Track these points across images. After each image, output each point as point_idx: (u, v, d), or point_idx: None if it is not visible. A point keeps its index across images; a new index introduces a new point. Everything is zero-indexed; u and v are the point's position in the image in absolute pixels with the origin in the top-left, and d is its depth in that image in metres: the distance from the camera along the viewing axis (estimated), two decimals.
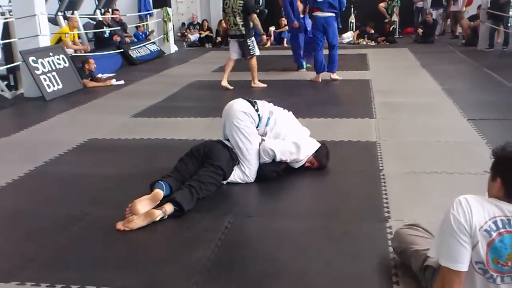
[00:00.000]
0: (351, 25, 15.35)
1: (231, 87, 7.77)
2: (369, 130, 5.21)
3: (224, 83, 7.84)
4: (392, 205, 3.36)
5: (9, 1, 7.98)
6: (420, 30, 13.73)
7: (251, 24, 7.72)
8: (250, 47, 7.74)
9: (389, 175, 3.90)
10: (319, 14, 8.03)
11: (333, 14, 8.04)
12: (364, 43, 13.97)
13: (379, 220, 3.16)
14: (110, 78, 9.13)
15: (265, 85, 7.95)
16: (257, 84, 7.96)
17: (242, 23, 7.55)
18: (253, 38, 7.85)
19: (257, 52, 7.87)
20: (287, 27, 15.05)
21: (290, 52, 10.05)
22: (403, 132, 5.09)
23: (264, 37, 8.17)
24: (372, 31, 14.11)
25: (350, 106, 6.40)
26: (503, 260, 1.89)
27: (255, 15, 7.67)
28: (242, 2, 7.48)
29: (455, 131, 5.06)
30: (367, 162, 4.25)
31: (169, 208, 3.20)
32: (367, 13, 15.08)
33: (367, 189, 3.67)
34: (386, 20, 14.82)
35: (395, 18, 15.17)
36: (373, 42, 13.90)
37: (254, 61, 7.87)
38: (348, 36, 14.54)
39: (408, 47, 12.61)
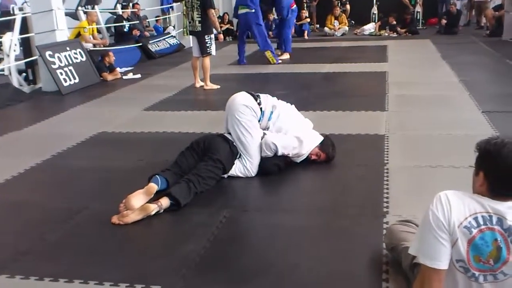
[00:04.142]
0: (373, 16, 15.11)
1: (202, 83, 7.50)
2: (379, 123, 5.12)
3: (197, 84, 7.54)
4: (392, 200, 3.29)
5: None
6: (444, 21, 13.43)
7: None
8: (207, 44, 7.22)
9: (393, 169, 3.82)
10: None
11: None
12: (386, 34, 13.74)
13: (377, 215, 3.09)
14: (127, 72, 9.20)
15: (218, 87, 7.39)
16: (210, 86, 7.42)
17: (199, 19, 7.09)
18: (212, 36, 7.33)
19: (213, 52, 7.40)
20: (308, 19, 14.99)
21: (311, 45, 10.10)
22: (413, 126, 4.99)
23: (221, 36, 7.87)
24: (394, 22, 13.85)
25: (363, 98, 6.29)
26: (484, 258, 1.82)
27: (212, 11, 7.13)
28: None
29: (467, 124, 4.94)
30: (372, 156, 4.17)
31: (165, 202, 3.20)
32: (390, 4, 14.81)
33: (369, 184, 3.60)
34: (411, 11, 14.52)
35: (418, 8, 14.88)
36: (395, 33, 13.66)
37: (207, 61, 7.34)
38: (370, 27, 14.34)
39: (430, 38, 12.36)
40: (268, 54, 9.45)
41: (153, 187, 3.29)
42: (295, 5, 10.32)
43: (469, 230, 1.80)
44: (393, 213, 3.09)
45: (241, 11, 9.39)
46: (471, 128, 4.79)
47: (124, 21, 11.67)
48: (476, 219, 1.81)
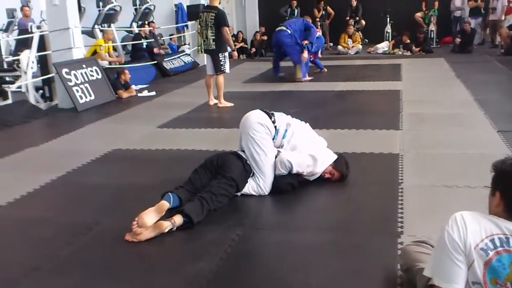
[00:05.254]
0: (387, 34, 15.12)
1: (216, 101, 7.54)
2: (393, 141, 5.09)
3: (211, 102, 7.59)
4: (406, 219, 3.26)
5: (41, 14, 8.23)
6: (458, 40, 13.40)
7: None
8: (221, 62, 7.29)
9: (407, 189, 3.79)
10: None
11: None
12: (400, 53, 13.73)
13: (391, 235, 3.06)
14: (142, 89, 9.29)
15: (232, 104, 7.45)
16: (224, 104, 7.45)
17: (213, 37, 7.15)
18: (226, 54, 7.39)
19: (227, 69, 7.44)
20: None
21: (324, 63, 10.83)
22: (428, 144, 4.95)
23: (235, 54, 7.87)
24: (408, 41, 13.84)
25: (377, 117, 6.28)
26: (501, 281, 1.78)
27: (226, 29, 7.18)
28: (213, 14, 7.12)
29: (482, 143, 4.90)
30: (386, 175, 4.15)
31: (178, 219, 3.19)
32: (403, 23, 14.81)
33: (383, 203, 3.58)
34: (425, 30, 14.50)
35: (432, 27, 14.86)
36: (409, 52, 13.64)
37: (221, 79, 7.39)
38: (383, 46, 14.33)
39: (444, 57, 12.32)
40: (298, 67, 9.60)
41: (165, 204, 3.29)
42: (319, 33, 10.98)
43: (485, 252, 1.77)
44: (408, 233, 3.06)
45: (278, 28, 9.68)
46: (486, 147, 4.75)
47: (142, 39, 11.81)
48: (492, 241, 1.78)
